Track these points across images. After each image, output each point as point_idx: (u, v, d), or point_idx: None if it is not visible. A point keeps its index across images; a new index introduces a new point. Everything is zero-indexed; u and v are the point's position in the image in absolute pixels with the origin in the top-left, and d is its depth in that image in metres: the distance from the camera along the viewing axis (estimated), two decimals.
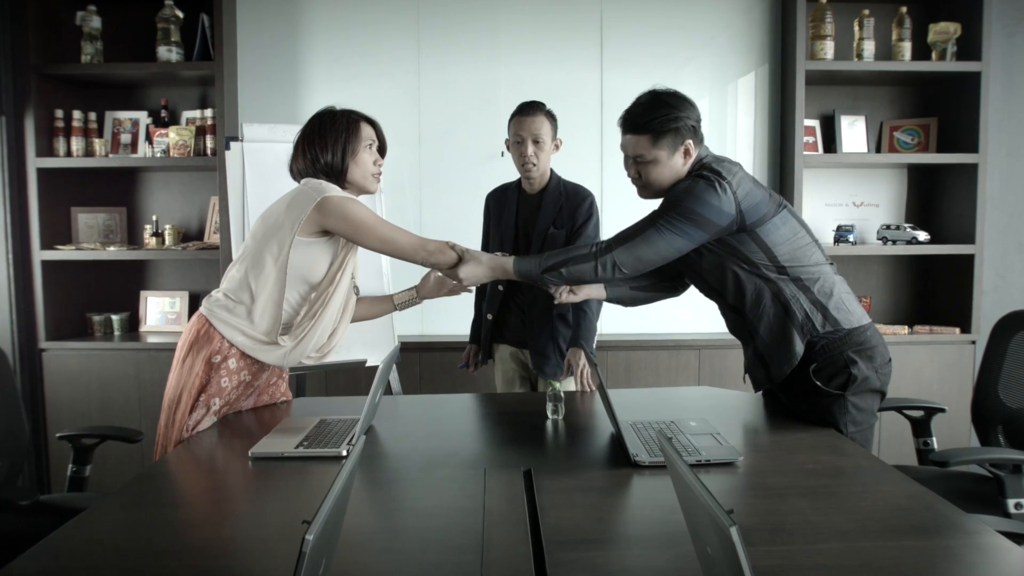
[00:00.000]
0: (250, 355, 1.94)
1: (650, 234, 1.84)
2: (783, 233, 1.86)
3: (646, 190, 1.97)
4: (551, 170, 2.60)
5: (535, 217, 2.57)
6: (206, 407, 1.92)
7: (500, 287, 2.61)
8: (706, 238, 1.84)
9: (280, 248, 1.89)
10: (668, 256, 1.86)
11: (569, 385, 2.58)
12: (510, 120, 2.56)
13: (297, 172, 2.02)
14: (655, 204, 1.95)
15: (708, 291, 2.01)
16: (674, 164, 1.90)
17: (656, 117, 1.86)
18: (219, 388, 1.94)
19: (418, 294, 2.23)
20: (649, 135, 1.87)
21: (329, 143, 1.95)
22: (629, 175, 1.98)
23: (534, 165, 2.51)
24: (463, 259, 2.01)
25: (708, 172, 1.84)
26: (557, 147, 2.58)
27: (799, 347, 1.84)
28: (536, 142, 2.49)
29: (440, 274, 2.18)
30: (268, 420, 1.98)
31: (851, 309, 1.87)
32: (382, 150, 2.07)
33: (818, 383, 1.84)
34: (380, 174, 2.05)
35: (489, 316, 2.65)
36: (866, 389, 1.84)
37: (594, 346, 2.63)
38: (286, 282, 1.90)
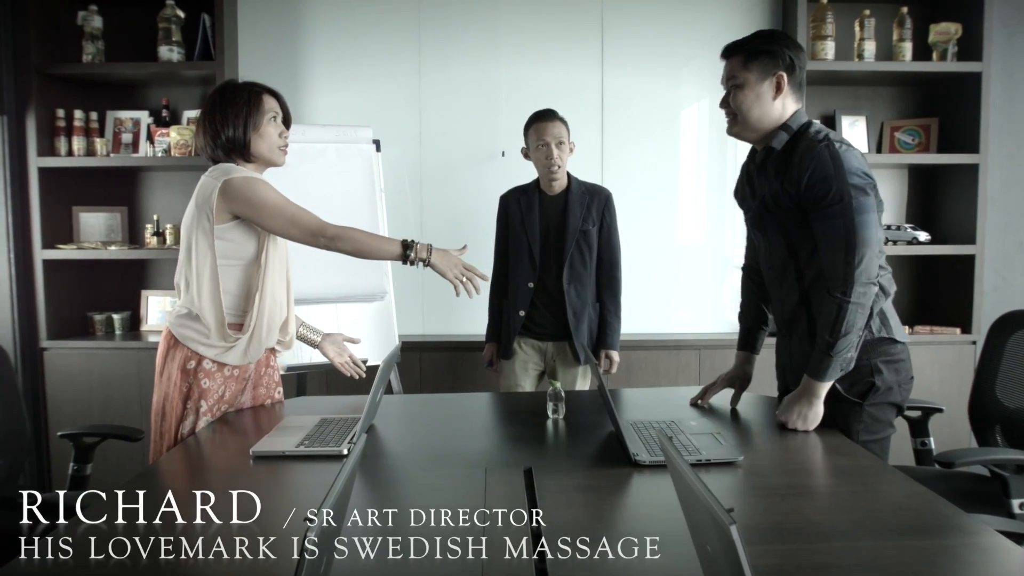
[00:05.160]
0: (217, 360, 1.94)
1: (853, 240, 1.70)
2: (880, 220, 1.78)
3: (734, 123, 1.87)
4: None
5: (564, 217, 2.69)
6: (195, 412, 1.93)
7: (530, 284, 2.71)
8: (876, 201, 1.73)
9: (207, 243, 1.89)
10: (881, 237, 1.75)
11: (583, 384, 2.73)
12: (527, 128, 2.68)
13: (200, 149, 1.99)
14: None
15: (779, 271, 1.88)
16: (762, 93, 1.80)
17: (753, 39, 1.85)
18: (202, 390, 1.94)
19: (318, 344, 2.23)
20: (742, 54, 1.83)
21: (230, 118, 1.92)
22: (721, 106, 1.89)
23: (559, 167, 2.65)
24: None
25: (829, 138, 1.75)
26: (572, 149, 2.71)
27: (856, 348, 1.75)
28: (559, 144, 2.63)
29: (344, 341, 2.23)
30: (269, 419, 1.98)
31: (898, 320, 1.85)
32: (287, 122, 2.03)
33: (838, 387, 1.79)
34: (287, 146, 2.02)
35: (521, 312, 2.74)
36: (885, 401, 1.81)
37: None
38: (219, 274, 1.90)
